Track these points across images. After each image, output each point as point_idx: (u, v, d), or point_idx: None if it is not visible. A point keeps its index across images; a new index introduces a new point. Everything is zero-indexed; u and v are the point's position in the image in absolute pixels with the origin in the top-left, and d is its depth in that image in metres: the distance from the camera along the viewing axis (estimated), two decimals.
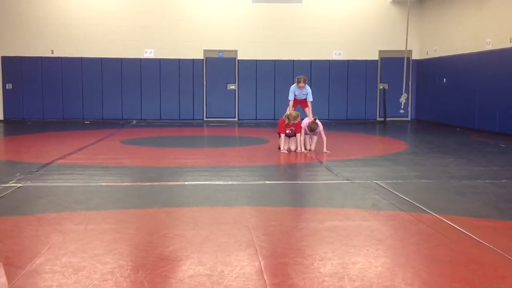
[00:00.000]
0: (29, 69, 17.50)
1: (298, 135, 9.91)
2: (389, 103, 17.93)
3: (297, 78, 10.61)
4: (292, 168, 8.59)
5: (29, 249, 4.09)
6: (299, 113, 10.05)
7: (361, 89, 18.45)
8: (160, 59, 17.89)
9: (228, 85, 18.29)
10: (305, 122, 9.92)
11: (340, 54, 18.30)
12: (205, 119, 18.30)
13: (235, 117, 18.38)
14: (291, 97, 10.57)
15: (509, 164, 8.66)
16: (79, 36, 17.55)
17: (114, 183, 6.88)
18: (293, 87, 10.58)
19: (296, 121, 9.87)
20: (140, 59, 17.88)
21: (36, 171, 7.64)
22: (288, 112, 10.23)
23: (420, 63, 18.35)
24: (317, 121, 9.89)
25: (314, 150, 9.99)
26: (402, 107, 15.60)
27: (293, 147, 9.99)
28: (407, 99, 16.20)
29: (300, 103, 10.70)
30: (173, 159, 9.15)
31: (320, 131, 9.92)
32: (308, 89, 10.62)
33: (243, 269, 3.64)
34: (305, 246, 4.22)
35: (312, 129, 9.83)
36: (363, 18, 18.24)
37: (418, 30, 18.14)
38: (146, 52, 17.93)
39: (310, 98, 10.60)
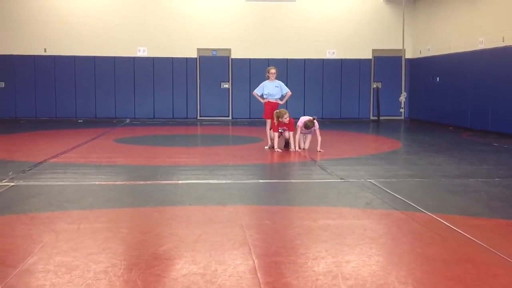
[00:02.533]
0: (22, 67, 17.41)
1: (291, 133, 9.90)
2: (383, 102, 17.97)
3: (268, 68, 10.56)
4: (285, 167, 8.60)
5: (21, 248, 4.07)
6: (286, 110, 10.01)
7: (354, 88, 18.48)
8: (153, 57, 17.84)
9: (222, 83, 18.27)
10: (302, 120, 9.91)
11: (333, 53, 18.32)
12: (198, 118, 18.28)
13: (228, 116, 18.37)
14: (258, 91, 10.48)
15: (501, 163, 8.70)
16: (72, 34, 17.47)
17: (107, 182, 6.86)
18: (264, 82, 10.50)
19: (286, 120, 9.82)
20: (134, 58, 17.82)
21: (28, 170, 7.60)
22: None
23: (413, 62, 18.39)
24: (315, 120, 9.87)
25: (308, 149, 9.99)
26: (402, 106, 15.61)
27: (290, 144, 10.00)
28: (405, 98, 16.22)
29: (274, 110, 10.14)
30: (167, 158, 9.13)
31: (315, 130, 9.91)
32: (279, 81, 10.48)
33: (236, 268, 3.64)
34: (299, 244, 4.23)
35: (307, 126, 9.80)
36: (357, 17, 18.26)
37: (411, 29, 18.19)
38: (139, 51, 17.87)
39: (285, 91, 10.44)
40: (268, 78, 10.43)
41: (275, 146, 9.90)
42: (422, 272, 3.60)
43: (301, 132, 9.98)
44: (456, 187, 6.59)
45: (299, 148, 9.98)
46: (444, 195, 6.23)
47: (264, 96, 10.43)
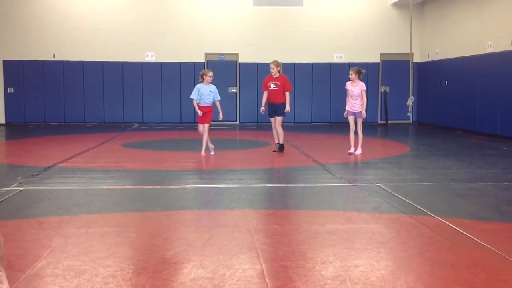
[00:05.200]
0: (31, 72, 17.52)
1: (278, 125, 10.11)
2: (391, 106, 17.92)
3: (205, 71, 9.94)
4: (293, 171, 8.59)
5: (30, 252, 4.09)
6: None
7: None
8: (161, 62, 17.90)
9: (230, 88, 18.29)
10: (348, 83, 9.93)
11: (341, 57, 18.30)
12: None
13: (236, 120, 18.37)
14: (193, 95, 9.80)
15: (510, 167, 8.63)
16: (81, 40, 17.56)
17: (116, 186, 6.88)
18: (198, 85, 9.89)
19: (274, 72, 9.99)
20: (142, 63, 17.89)
21: (37, 174, 7.64)
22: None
23: (421, 66, 18.34)
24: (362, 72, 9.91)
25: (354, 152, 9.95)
26: (409, 110, 15.59)
27: (280, 139, 10.10)
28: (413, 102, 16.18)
29: (205, 114, 9.82)
30: (175, 163, 9.15)
31: (362, 91, 9.80)
32: (213, 86, 9.92)
33: (244, 272, 3.64)
34: (307, 249, 4.22)
35: (359, 72, 9.76)
36: (364, 21, 18.24)
37: (419, 33, 18.14)
38: (147, 56, 17.94)
39: (217, 97, 9.92)
40: (202, 81, 9.85)
41: (263, 104, 10.25)
42: (431, 276, 3.58)
43: (350, 95, 9.84)
44: (465, 191, 6.56)
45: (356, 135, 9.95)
46: (453, 199, 6.20)
47: (197, 101, 9.84)
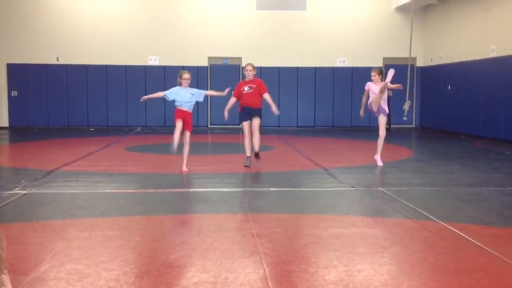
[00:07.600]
0: (35, 76, 17.57)
1: (256, 129, 9.19)
2: (394, 110, 17.88)
3: (181, 73, 8.92)
4: (296, 175, 8.58)
5: (34, 256, 4.09)
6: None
7: None
8: (164, 66, 17.94)
9: (233, 92, 18.29)
10: (370, 84, 9.30)
11: (344, 61, 18.32)
12: (209, 126, 18.31)
13: (239, 124, 18.31)
14: (165, 92, 8.97)
15: None
16: (84, 43, 17.62)
17: (119, 190, 6.88)
18: (176, 87, 8.86)
19: (251, 75, 9.30)
20: (145, 66, 17.93)
21: (41, 178, 7.65)
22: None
23: (424, 70, 18.34)
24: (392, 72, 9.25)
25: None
26: (405, 114, 15.60)
27: (256, 147, 9.18)
28: (410, 106, 16.18)
29: (185, 119, 8.60)
30: (177, 166, 9.14)
31: (388, 91, 9.26)
32: (194, 89, 8.95)
33: (247, 276, 3.64)
34: (310, 253, 4.21)
35: (382, 73, 9.29)
36: (368, 25, 18.26)
37: (423, 37, 18.15)
38: (150, 59, 17.98)
39: (202, 96, 8.98)
40: (180, 84, 8.79)
41: (227, 108, 9.57)
42: (435, 281, 3.57)
43: (372, 94, 9.22)
44: (469, 196, 6.54)
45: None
46: (457, 203, 6.18)
47: (177, 104, 8.76)
